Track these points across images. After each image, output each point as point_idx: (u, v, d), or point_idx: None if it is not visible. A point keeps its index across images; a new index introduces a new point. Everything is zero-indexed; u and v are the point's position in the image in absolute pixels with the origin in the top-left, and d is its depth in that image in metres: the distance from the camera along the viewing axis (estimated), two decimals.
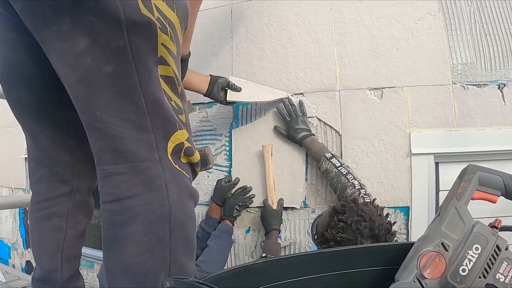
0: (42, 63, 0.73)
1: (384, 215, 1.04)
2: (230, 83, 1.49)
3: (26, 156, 2.28)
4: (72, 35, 0.60)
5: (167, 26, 0.65)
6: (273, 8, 1.72)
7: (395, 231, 1.02)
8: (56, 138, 0.83)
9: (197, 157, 0.75)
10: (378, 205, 1.09)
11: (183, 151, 0.71)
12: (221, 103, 1.54)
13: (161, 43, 0.65)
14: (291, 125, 1.56)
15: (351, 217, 0.93)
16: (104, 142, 0.65)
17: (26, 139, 0.87)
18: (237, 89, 1.51)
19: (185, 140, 0.71)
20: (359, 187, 1.33)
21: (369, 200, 1.26)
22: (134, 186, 0.66)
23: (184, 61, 0.87)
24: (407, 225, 1.44)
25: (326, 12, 1.64)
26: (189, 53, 0.91)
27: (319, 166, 1.48)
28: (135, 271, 0.65)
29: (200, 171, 0.82)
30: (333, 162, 1.43)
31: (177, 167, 0.70)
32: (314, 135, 1.56)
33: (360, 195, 1.29)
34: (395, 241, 1.12)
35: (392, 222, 1.02)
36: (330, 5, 1.64)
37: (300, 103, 1.59)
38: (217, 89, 1.46)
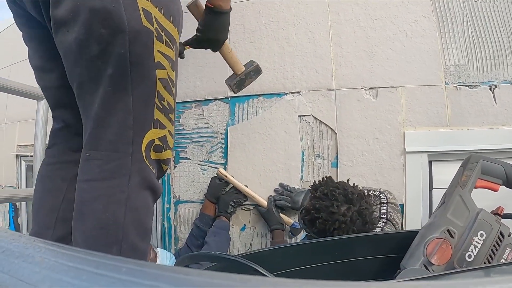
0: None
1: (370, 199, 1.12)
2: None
3: (18, 153, 2.24)
4: (87, 42, 0.72)
5: (163, 35, 0.77)
6: (271, 8, 1.73)
7: (372, 201, 1.13)
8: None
9: (166, 155, 0.85)
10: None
11: (152, 147, 0.80)
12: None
13: (157, 50, 0.76)
14: (295, 206, 1.53)
15: (326, 188, 1.04)
16: (94, 130, 0.76)
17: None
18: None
19: (157, 138, 0.81)
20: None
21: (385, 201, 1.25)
22: (104, 172, 0.76)
23: (224, 14, 0.96)
24: (402, 221, 1.45)
25: (323, 13, 1.66)
26: (230, 8, 0.98)
27: None
28: (92, 242, 0.76)
29: (252, 80, 1.08)
30: None
31: (146, 161, 0.80)
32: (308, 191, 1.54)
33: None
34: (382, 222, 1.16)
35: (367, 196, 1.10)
36: (326, 6, 1.66)
37: (281, 185, 1.60)
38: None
